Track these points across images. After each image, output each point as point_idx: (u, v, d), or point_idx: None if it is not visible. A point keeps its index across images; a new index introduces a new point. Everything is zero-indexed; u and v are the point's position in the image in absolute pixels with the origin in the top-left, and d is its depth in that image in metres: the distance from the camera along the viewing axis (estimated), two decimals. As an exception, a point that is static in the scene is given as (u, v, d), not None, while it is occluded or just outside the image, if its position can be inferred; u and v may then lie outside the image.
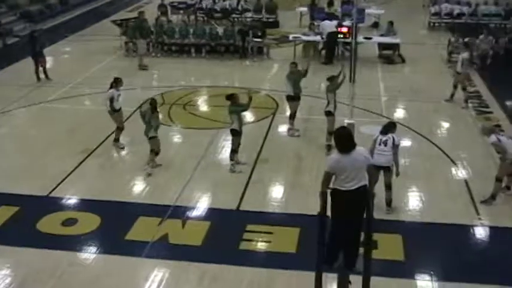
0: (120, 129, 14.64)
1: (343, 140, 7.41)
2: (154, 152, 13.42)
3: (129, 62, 22.19)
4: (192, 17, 28.53)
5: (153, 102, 13.52)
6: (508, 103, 13.55)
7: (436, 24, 28.31)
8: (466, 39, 21.18)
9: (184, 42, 23.26)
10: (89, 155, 14.28)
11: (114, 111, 14.44)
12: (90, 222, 11.36)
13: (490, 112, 17.19)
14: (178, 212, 11.73)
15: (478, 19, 27.38)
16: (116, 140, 14.72)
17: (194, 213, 11.79)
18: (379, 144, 11.37)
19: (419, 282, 9.74)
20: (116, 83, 14.48)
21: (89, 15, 31.58)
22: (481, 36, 21.90)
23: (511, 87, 19.61)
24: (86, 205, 12.10)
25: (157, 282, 9.67)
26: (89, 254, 10.44)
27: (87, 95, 18.81)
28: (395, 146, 11.40)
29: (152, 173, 13.31)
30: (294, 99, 15.21)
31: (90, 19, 30.33)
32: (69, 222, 11.41)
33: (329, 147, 13.82)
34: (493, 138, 11.81)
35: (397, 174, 11.59)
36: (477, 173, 13.31)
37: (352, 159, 7.26)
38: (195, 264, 10.09)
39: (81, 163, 13.88)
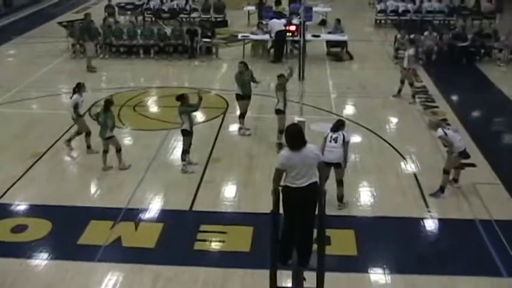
0: (79, 133, 14.33)
1: (294, 137, 7.44)
2: (116, 149, 13.40)
3: (77, 64, 21.87)
4: (140, 18, 28.30)
5: (107, 101, 13.44)
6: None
7: (382, 22, 28.71)
8: (412, 36, 21.55)
9: (132, 43, 23.05)
10: (38, 160, 14.03)
11: (79, 117, 14.19)
12: (40, 228, 11.16)
13: (436, 107, 17.55)
14: (131, 215, 11.62)
15: (423, 16, 27.92)
16: (69, 140, 14.42)
17: (147, 215, 11.71)
18: (330, 141, 11.50)
19: (372, 276, 9.89)
20: (79, 88, 14.19)
21: (35, 17, 31.01)
22: (426, 33, 22.29)
23: (456, 82, 20.13)
24: (36, 210, 11.89)
25: (111, 286, 9.57)
26: (41, 260, 10.26)
27: (34, 98, 18.47)
28: (345, 143, 11.53)
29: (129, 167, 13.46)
30: (243, 98, 15.24)
31: (35, 21, 29.78)
32: (19, 228, 11.19)
33: (280, 146, 13.89)
34: (440, 132, 12.08)
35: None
36: (426, 167, 13.57)
37: (303, 156, 7.31)
38: (149, 266, 10.03)
39: (30, 168, 13.62)
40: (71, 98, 14.22)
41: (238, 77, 15.17)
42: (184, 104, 13.08)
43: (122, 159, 13.48)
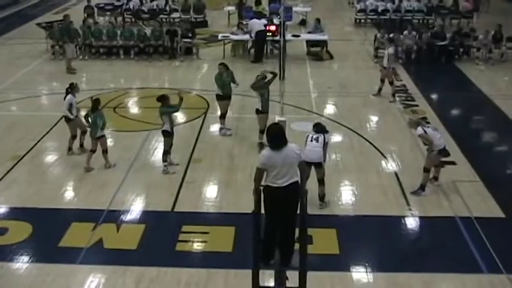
0: (84, 132, 14.23)
1: (275, 136, 7.45)
2: (103, 150, 13.48)
3: (56, 65, 21.71)
4: (120, 19, 28.19)
5: (95, 101, 13.50)
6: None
7: (362, 21, 28.83)
8: (391, 35, 21.68)
9: (112, 44, 22.92)
10: (18, 162, 13.91)
11: (75, 117, 14.08)
12: (21, 230, 11.07)
13: (416, 105, 17.67)
14: (113, 216, 11.58)
15: (402, 15, 28.07)
16: (81, 145, 14.34)
17: (129, 216, 11.66)
18: (311, 141, 11.54)
19: (354, 275, 9.93)
20: (72, 88, 14.06)
21: (14, 18, 30.70)
22: (405, 32, 22.44)
23: (435, 81, 20.29)
24: (17, 213, 11.80)
25: (93, 289, 9.56)
26: (22, 263, 10.17)
27: (13, 100, 18.31)
28: (325, 143, 11.58)
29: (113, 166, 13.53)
30: (223, 98, 15.25)
31: (14, 22, 29.49)
32: (-1, 231, 11.11)
33: (261, 145, 13.90)
34: (420, 130, 12.16)
35: None
36: (406, 165, 13.66)
37: (284, 155, 7.32)
38: (132, 268, 10.00)
39: (10, 170, 13.51)
40: (64, 98, 14.03)
41: (218, 78, 15.18)
42: (165, 104, 13.05)
43: (108, 159, 13.51)
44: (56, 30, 22.56)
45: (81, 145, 14.36)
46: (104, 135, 13.42)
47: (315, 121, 12.81)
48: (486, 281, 9.78)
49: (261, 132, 13.99)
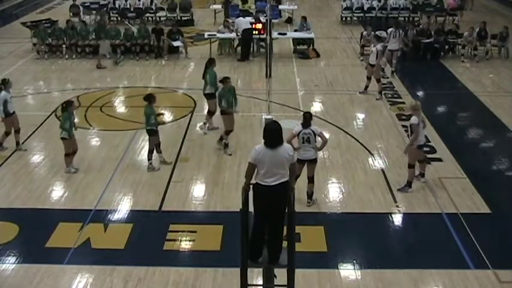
0: (7, 134, 14.24)
1: (271, 134, 7.45)
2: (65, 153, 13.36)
3: (42, 65, 21.62)
4: (105, 17, 28.07)
5: (64, 103, 13.31)
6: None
7: (348, 19, 28.90)
8: (378, 32, 21.69)
9: (98, 43, 22.78)
10: (3, 163, 13.83)
11: (12, 113, 14.07)
12: (7, 231, 11.01)
13: (403, 102, 17.72)
14: (100, 216, 11.54)
15: (388, 13, 28.17)
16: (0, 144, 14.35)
17: (116, 216, 11.63)
18: (303, 143, 11.43)
19: (343, 272, 9.95)
20: (5, 84, 13.96)
21: (-3, 18, 30.56)
22: (389, 30, 22.47)
23: (421, 78, 20.38)
24: (3, 214, 11.71)
25: (81, 289, 9.52)
26: (8, 264, 10.12)
27: (-2, 100, 18.18)
28: (316, 136, 11.49)
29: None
30: (211, 96, 15.02)
31: (-3, 21, 29.37)
32: (-15, 233, 11.03)
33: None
34: (415, 120, 12.07)
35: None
36: (393, 162, 13.71)
37: (276, 154, 7.31)
38: (119, 268, 9.97)
39: (-5, 171, 13.46)
40: None
41: (214, 76, 14.90)
42: (151, 104, 13.09)
43: (71, 162, 13.32)
44: (42, 30, 22.42)
45: (17, 143, 14.34)
46: (66, 139, 13.03)
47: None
48: (473, 276, 9.83)
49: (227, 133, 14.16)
